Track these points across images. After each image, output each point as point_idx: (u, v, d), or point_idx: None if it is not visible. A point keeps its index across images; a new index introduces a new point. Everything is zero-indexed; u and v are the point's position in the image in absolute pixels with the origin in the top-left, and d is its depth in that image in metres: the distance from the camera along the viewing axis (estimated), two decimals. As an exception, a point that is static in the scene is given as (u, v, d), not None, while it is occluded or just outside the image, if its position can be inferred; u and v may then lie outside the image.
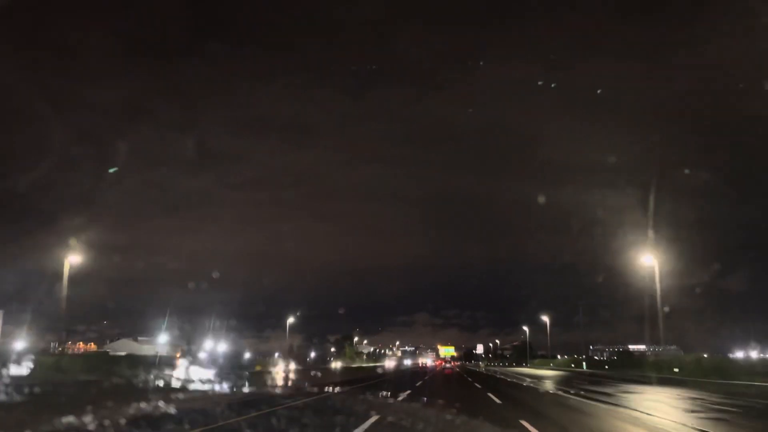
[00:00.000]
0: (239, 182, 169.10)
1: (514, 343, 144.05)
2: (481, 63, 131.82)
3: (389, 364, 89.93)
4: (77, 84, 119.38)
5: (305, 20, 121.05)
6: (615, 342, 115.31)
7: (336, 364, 62.97)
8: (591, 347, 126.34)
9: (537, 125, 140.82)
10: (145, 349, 55.52)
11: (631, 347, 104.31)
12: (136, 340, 56.91)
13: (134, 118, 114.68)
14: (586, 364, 70.46)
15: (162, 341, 53.84)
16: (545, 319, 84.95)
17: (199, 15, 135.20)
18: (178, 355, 63.47)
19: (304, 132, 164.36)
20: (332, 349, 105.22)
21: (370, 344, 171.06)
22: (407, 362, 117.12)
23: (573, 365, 75.16)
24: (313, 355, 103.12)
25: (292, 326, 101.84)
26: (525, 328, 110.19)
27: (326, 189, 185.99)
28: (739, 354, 63.52)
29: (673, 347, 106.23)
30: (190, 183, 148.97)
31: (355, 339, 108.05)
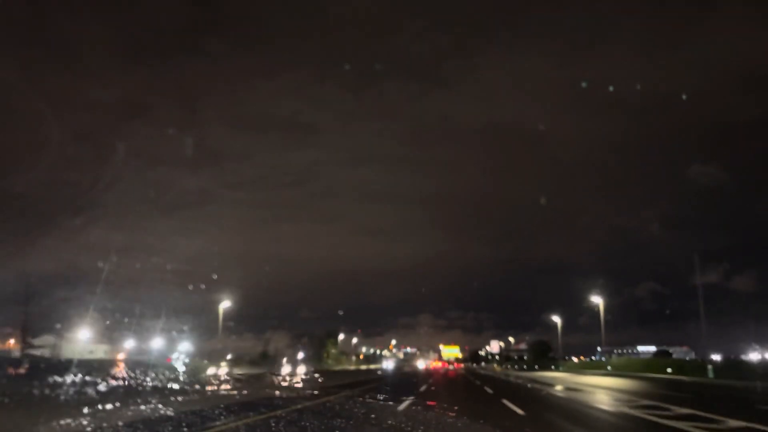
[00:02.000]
0: (237, 181, 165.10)
1: (521, 344, 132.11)
2: (485, 59, 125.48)
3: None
4: (75, 82, 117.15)
5: (305, 16, 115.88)
6: (622, 344, 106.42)
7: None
8: (599, 349, 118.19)
9: (544, 122, 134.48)
10: (67, 348, 49.13)
11: (640, 348, 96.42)
12: (62, 336, 50.23)
13: (132, 116, 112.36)
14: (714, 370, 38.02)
15: (84, 337, 47.12)
16: (597, 301, 53.80)
17: (198, 12, 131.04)
18: (118, 358, 56.82)
19: (305, 130, 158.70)
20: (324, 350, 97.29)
21: (371, 345, 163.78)
22: (387, 364, 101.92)
23: (669, 370, 43.44)
24: (301, 356, 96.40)
25: (285, 327, 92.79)
26: (556, 318, 74.92)
27: (327, 188, 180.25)
28: (752, 356, 54.71)
29: (684, 349, 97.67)
30: (188, 181, 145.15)
31: (341, 336, 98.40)
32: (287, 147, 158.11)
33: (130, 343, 57.74)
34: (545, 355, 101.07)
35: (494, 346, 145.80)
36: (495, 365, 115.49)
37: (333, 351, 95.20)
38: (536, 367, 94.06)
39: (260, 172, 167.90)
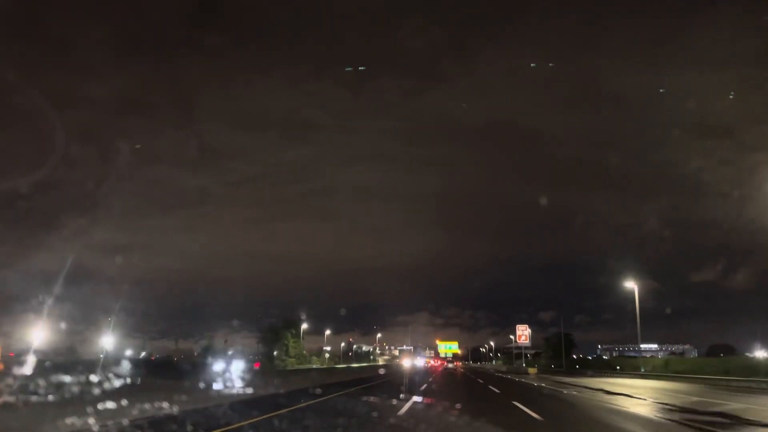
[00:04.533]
0: (235, 179, 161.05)
1: (521, 339, 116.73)
2: (484, 56, 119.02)
3: None
4: (70, 79, 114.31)
5: (303, 12, 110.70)
6: (620, 342, 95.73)
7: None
8: (599, 347, 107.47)
9: (542, 120, 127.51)
10: None
11: (643, 347, 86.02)
12: None
13: (130, 114, 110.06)
14: None
15: None
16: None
17: (195, 8, 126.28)
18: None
19: (303, 127, 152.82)
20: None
21: (368, 343, 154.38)
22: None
23: None
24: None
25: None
26: (633, 285, 44.50)
27: (325, 186, 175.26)
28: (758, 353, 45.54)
29: (687, 346, 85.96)
30: (185, 179, 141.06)
31: (304, 327, 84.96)
32: (285, 144, 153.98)
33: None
34: (568, 352, 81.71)
35: (522, 333, 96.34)
36: (529, 367, 77.03)
37: (294, 347, 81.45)
38: (577, 367, 70.33)
39: (258, 170, 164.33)
